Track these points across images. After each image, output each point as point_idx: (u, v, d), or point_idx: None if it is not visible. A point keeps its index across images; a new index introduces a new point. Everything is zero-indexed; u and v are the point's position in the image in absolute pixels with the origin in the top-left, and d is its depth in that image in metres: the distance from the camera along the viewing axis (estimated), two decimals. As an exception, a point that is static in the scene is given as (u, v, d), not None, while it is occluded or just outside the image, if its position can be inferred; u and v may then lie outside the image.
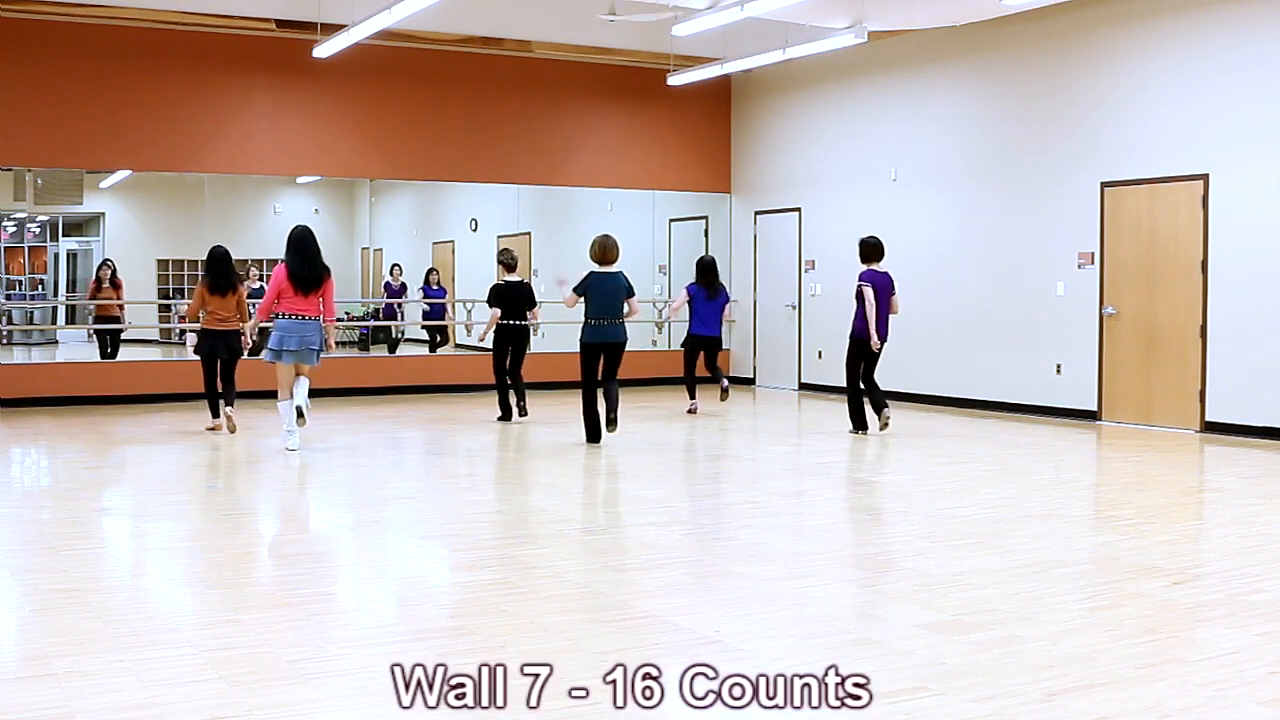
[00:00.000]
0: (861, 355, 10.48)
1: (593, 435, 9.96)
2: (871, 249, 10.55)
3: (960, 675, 4.04)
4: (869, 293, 10.38)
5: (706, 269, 12.66)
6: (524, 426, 11.31)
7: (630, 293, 9.91)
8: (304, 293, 9.23)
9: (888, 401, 10.72)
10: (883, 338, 10.46)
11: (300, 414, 9.21)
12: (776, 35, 12.52)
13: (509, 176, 15.49)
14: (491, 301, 11.51)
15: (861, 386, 10.59)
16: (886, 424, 10.54)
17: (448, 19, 12.64)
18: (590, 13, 12.25)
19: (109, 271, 15.05)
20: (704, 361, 12.75)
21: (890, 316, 10.58)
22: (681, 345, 12.87)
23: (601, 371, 9.94)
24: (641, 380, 15.13)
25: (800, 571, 5.66)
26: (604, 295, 9.76)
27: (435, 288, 16.88)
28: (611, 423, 9.86)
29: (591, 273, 9.82)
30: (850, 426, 10.73)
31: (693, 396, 12.59)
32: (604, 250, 9.89)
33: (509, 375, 11.63)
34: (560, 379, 14.25)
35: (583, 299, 9.85)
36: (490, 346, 11.73)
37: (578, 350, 10.00)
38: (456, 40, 13.90)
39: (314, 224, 9.75)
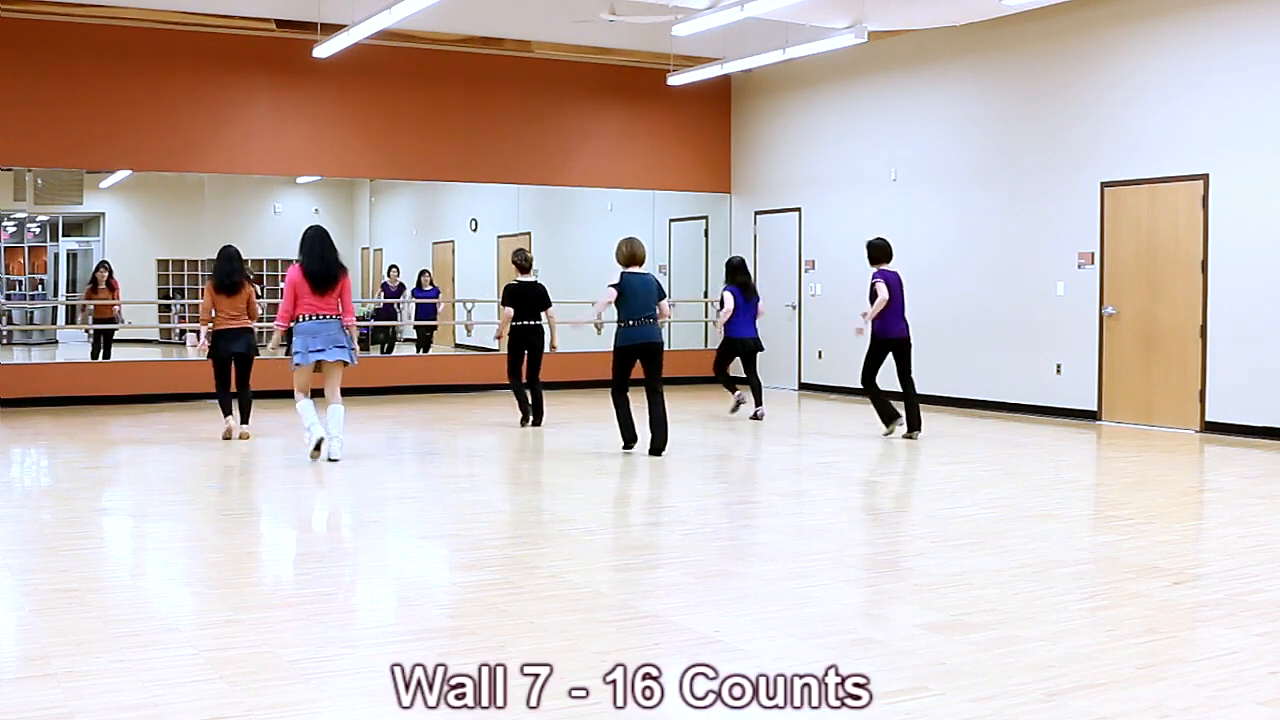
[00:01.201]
0: (880, 353, 10.47)
1: (629, 440, 9.61)
2: (880, 250, 10.56)
3: (960, 675, 4.04)
4: (882, 289, 10.36)
5: (740, 269, 12.22)
6: (525, 427, 11.30)
7: (662, 294, 9.68)
8: (320, 292, 9.00)
9: (920, 424, 10.43)
10: (903, 334, 10.44)
11: (319, 446, 8.90)
12: (776, 35, 12.51)
13: (509, 176, 15.48)
14: (504, 301, 11.43)
15: (897, 388, 10.48)
16: (900, 433, 10.51)
17: (448, 19, 12.63)
18: (590, 13, 12.25)
19: (105, 274, 15.05)
20: (744, 367, 12.24)
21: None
22: (720, 349, 12.29)
23: (645, 378, 9.55)
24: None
25: (800, 571, 5.66)
26: (639, 295, 9.48)
27: (427, 288, 16.87)
28: (660, 448, 9.43)
29: (624, 273, 9.57)
30: (884, 428, 10.63)
31: (734, 391, 12.29)
32: (631, 250, 9.64)
33: (527, 380, 11.48)
34: (566, 379, 14.24)
35: (615, 302, 9.53)
36: (505, 348, 11.50)
37: (612, 353, 9.60)
38: (456, 40, 13.90)
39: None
